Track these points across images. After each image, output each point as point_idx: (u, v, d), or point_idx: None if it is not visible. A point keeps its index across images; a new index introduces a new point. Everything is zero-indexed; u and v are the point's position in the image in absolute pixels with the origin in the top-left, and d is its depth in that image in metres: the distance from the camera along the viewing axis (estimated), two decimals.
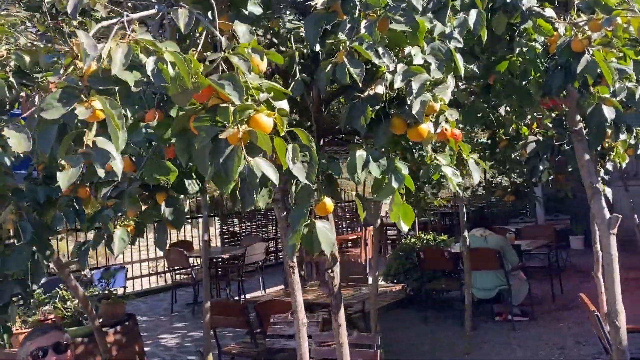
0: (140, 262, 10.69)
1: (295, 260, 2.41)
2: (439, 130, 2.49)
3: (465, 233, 6.30)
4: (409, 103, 2.23)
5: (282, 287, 7.95)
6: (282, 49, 2.82)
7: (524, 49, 3.09)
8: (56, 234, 2.79)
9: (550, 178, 4.25)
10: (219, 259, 8.67)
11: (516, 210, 11.93)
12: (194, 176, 2.56)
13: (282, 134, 1.85)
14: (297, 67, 2.51)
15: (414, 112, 2.21)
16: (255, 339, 5.33)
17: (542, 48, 3.13)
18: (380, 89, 2.26)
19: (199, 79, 1.75)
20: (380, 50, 2.20)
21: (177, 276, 9.24)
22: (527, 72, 3.17)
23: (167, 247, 9.27)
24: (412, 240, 8.66)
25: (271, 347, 4.73)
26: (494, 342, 6.55)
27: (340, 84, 2.24)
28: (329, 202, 2.32)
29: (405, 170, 2.34)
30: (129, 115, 1.68)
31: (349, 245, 10.90)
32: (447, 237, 8.88)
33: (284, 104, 1.89)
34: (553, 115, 4.08)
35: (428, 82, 2.28)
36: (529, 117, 4.17)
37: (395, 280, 8.30)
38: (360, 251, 9.80)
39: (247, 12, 2.19)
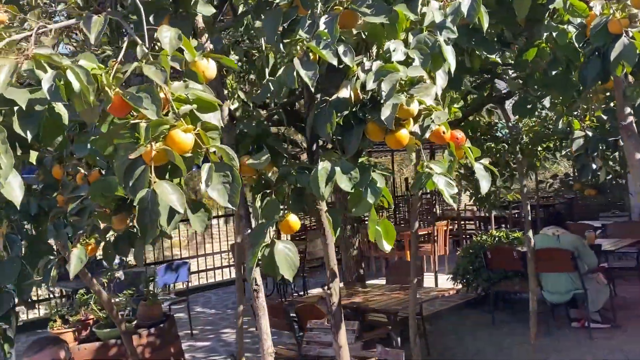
0: (212, 254, 10.92)
1: (259, 283, 2.20)
2: (427, 134, 2.17)
3: (530, 233, 5.77)
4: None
5: (342, 284, 7.75)
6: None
7: (554, 34, 2.65)
8: (47, 247, 2.77)
9: (608, 177, 3.71)
10: None
11: (608, 204, 10.91)
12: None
13: (211, 150, 1.64)
14: (268, 71, 2.28)
15: (382, 117, 1.92)
16: (299, 342, 5.19)
17: (577, 31, 2.67)
18: (345, 93, 1.99)
19: (107, 93, 1.58)
20: (342, 48, 1.93)
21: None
22: (558, 61, 2.73)
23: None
24: (483, 237, 8.13)
25: (306, 353, 4.55)
26: (565, 351, 5.98)
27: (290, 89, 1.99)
28: (293, 219, 2.08)
29: (382, 183, 2.06)
30: (29, 136, 1.54)
31: (421, 240, 10.47)
32: (522, 234, 8.25)
33: (212, 117, 1.68)
34: (610, 105, 3.54)
35: (403, 82, 1.98)
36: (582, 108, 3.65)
37: (464, 280, 7.85)
38: (430, 247, 9.37)
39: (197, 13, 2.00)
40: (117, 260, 8.54)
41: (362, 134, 2.11)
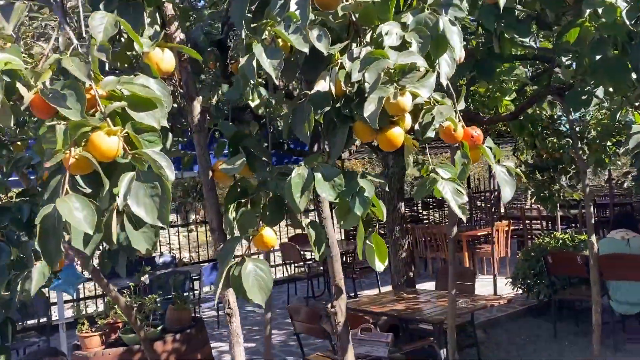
0: (265, 253, 10.80)
1: (232, 307, 1.93)
2: (430, 133, 1.83)
3: (593, 237, 5.20)
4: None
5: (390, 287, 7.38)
6: None
7: (599, 10, 2.22)
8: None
9: None
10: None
11: None
12: None
13: (143, 156, 1.39)
14: None
15: (365, 114, 1.60)
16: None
17: (628, 5, 2.23)
18: (323, 85, 1.68)
19: (19, 90, 1.36)
20: (315, 32, 1.62)
21: (296, 269, 9.15)
22: (604, 42, 2.29)
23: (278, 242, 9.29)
24: (546, 239, 7.52)
25: None
26: None
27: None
28: (269, 234, 1.80)
29: (371, 191, 1.73)
30: None
31: (481, 241, 9.91)
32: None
33: (148, 116, 1.42)
34: None
35: (392, 70, 1.64)
36: None
37: (524, 286, 7.30)
38: (490, 249, 8.82)
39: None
40: (167, 258, 8.58)
41: (350, 134, 1.80)
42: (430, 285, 7.51)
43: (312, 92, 1.72)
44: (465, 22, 2.59)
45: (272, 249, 1.76)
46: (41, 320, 6.96)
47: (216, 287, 1.75)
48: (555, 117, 7.03)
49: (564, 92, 5.54)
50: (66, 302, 8.24)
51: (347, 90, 1.73)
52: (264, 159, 1.86)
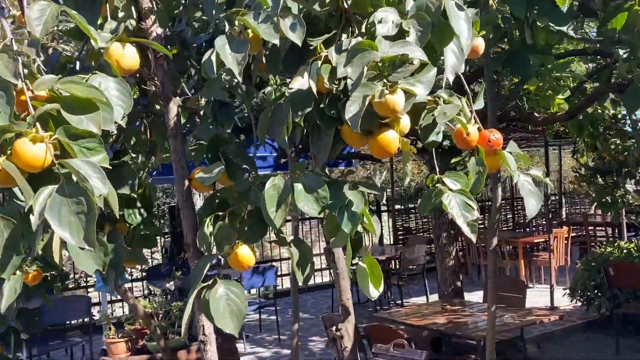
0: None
1: (207, 333, 1.72)
2: (433, 137, 1.57)
3: None
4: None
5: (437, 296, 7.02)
6: None
7: None
8: None
9: None
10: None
11: None
12: (139, 205, 2.04)
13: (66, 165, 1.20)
14: None
15: (346, 116, 1.36)
16: None
17: None
18: (300, 83, 1.44)
19: None
20: (288, 21, 1.39)
21: None
22: None
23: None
24: (608, 249, 6.96)
25: None
26: None
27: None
28: (244, 252, 1.58)
29: (360, 204, 1.49)
30: None
31: (539, 248, 9.35)
32: None
33: (86, 120, 1.24)
34: None
35: (381, 64, 1.39)
36: None
37: (584, 298, 6.77)
38: (547, 257, 8.28)
39: None
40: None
41: (338, 138, 1.55)
42: (481, 295, 7.10)
43: (292, 90, 1.49)
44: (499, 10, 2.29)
45: (248, 269, 1.54)
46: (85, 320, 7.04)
47: (185, 314, 1.55)
48: (619, 116, 6.48)
49: (625, 88, 5.06)
50: (110, 302, 8.36)
51: (333, 88, 1.49)
52: (244, 166, 1.65)
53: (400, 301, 8.18)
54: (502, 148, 1.75)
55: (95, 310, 7.46)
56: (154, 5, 1.73)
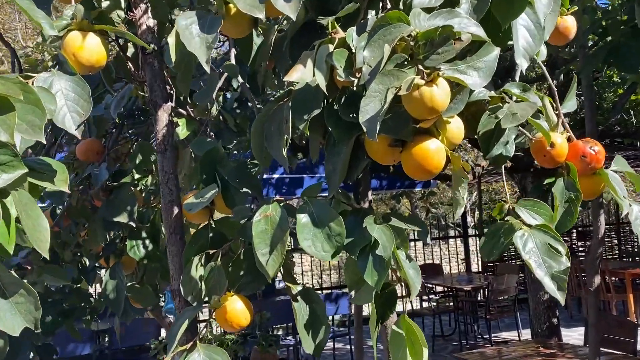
0: None
1: None
2: (498, 149, 1.10)
3: None
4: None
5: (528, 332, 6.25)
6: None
7: None
8: None
9: None
10: (460, 290, 7.40)
11: None
12: (144, 235, 1.71)
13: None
14: (234, 51, 1.39)
15: (361, 119, 0.93)
16: None
17: None
18: (297, 75, 1.03)
19: None
20: None
21: (422, 303, 8.32)
22: None
23: None
24: None
25: None
26: None
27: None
28: (236, 308, 1.17)
29: (388, 245, 1.04)
30: None
31: None
32: None
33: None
34: None
35: (414, 44, 0.95)
36: None
37: None
38: None
39: None
40: (281, 285, 8.20)
41: (359, 151, 1.12)
42: (582, 333, 6.25)
43: (296, 88, 1.08)
44: None
45: (239, 330, 1.12)
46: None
47: None
48: None
49: None
50: None
51: (353, 82, 1.06)
52: (245, 190, 1.26)
53: (488, 336, 7.43)
54: (603, 166, 1.24)
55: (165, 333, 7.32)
56: None
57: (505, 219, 1.17)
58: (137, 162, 1.74)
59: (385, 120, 1.00)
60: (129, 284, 1.91)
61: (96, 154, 1.74)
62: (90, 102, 1.14)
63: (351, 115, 1.08)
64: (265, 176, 5.23)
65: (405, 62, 0.96)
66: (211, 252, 1.26)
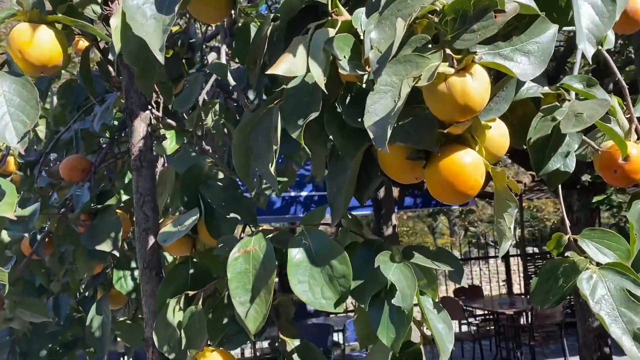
0: None
1: None
2: (555, 164, 0.84)
3: None
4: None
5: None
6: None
7: None
8: None
9: None
10: (501, 314, 6.98)
11: None
12: (133, 265, 1.49)
13: None
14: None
15: (366, 122, 0.68)
16: None
17: None
18: (286, 66, 0.78)
19: None
20: None
21: (461, 327, 7.92)
22: None
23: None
24: None
25: None
26: None
27: None
28: None
29: (409, 291, 0.78)
30: None
31: None
32: None
33: None
34: None
35: (438, 19, 0.70)
36: None
37: None
38: None
39: None
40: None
41: (371, 166, 0.87)
42: None
43: (289, 86, 0.83)
44: None
45: None
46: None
47: None
48: None
49: None
50: None
51: (360, 78, 0.82)
52: (234, 216, 1.01)
53: None
54: None
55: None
56: None
57: (565, 254, 0.89)
58: (126, 181, 1.52)
59: (402, 125, 0.74)
60: (120, 319, 1.68)
61: (81, 172, 1.53)
62: (38, 108, 0.93)
63: (359, 120, 0.82)
64: (292, 194, 4.98)
65: (428, 45, 0.70)
66: (191, 293, 1.01)
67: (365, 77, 0.83)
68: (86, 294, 1.87)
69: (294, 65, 0.78)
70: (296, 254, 0.83)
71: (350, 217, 0.95)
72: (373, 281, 0.83)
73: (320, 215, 0.94)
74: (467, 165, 0.75)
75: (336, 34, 0.81)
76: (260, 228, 0.87)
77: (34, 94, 0.93)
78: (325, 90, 0.79)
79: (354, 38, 0.82)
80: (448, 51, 0.70)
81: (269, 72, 0.78)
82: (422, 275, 0.88)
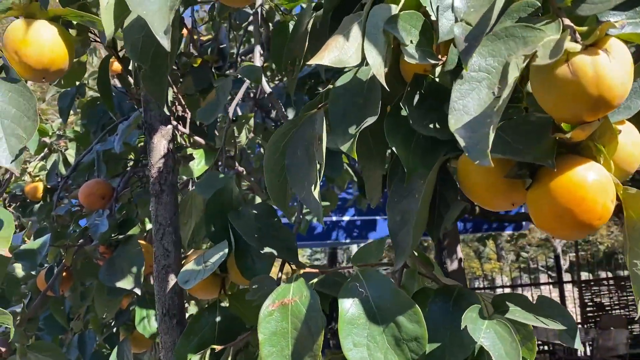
0: None
1: None
2: None
3: None
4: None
5: None
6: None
7: None
8: None
9: None
10: (557, 345, 6.53)
11: None
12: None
13: None
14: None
15: (452, 126, 0.47)
16: None
17: None
18: (330, 57, 0.59)
19: None
20: None
21: None
22: None
23: None
24: None
25: None
26: None
27: None
28: None
29: (512, 355, 0.56)
30: None
31: None
32: None
33: None
34: None
35: None
36: None
37: None
38: None
39: None
40: None
41: (448, 189, 0.66)
42: None
43: (337, 84, 0.64)
44: None
45: None
46: None
47: None
48: None
49: None
50: None
51: (433, 68, 0.61)
52: (269, 250, 0.82)
53: None
54: None
55: None
56: None
57: None
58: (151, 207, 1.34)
59: (500, 130, 0.53)
60: None
61: (101, 199, 1.37)
62: (37, 120, 0.76)
63: (432, 126, 0.62)
64: (333, 218, 4.75)
65: (539, 14, 0.50)
66: (218, 348, 0.81)
67: (439, 69, 0.63)
68: (114, 330, 1.70)
69: (344, 53, 0.59)
70: (349, 307, 0.62)
71: (416, 254, 0.74)
72: (455, 344, 0.61)
73: (377, 250, 0.74)
74: (592, 185, 0.53)
75: (400, 11, 0.61)
76: (303, 271, 0.66)
77: (32, 103, 0.77)
78: (387, 87, 0.59)
79: (423, 17, 0.62)
80: (567, 21, 0.49)
81: (311, 62, 0.58)
82: (514, 331, 0.66)
